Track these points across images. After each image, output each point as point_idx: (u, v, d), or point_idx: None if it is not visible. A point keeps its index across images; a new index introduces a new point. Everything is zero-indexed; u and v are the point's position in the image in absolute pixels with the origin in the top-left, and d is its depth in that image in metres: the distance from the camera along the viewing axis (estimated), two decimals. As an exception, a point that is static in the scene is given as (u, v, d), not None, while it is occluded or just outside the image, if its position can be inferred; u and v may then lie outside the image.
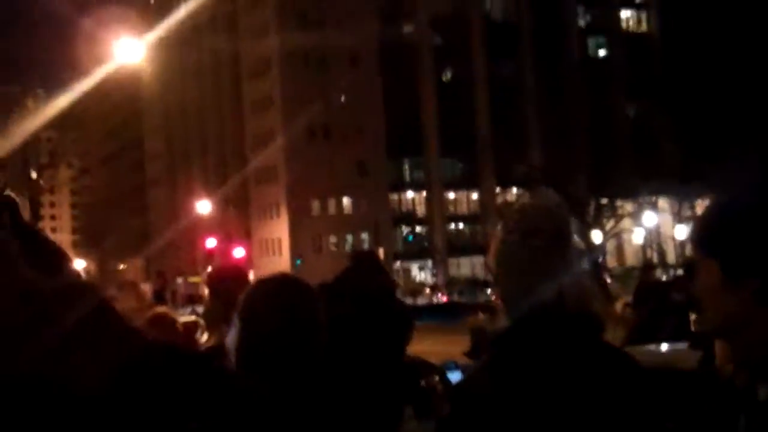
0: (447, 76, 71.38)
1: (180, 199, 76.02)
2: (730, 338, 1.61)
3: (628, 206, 50.08)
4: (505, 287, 2.05)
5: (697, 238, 1.62)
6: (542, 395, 1.88)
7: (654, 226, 54.93)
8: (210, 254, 43.75)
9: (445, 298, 51.16)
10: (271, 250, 64.98)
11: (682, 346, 3.59)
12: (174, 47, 67.84)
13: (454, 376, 2.48)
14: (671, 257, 59.72)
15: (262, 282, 2.19)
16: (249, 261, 49.88)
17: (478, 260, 68.26)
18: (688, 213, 46.75)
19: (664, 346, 4.72)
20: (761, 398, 1.51)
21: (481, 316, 31.59)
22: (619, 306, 31.45)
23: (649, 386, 1.97)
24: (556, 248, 2.02)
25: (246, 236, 66.78)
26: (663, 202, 51.05)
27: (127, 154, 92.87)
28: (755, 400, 1.52)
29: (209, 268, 4.33)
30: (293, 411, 2.01)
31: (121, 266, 77.67)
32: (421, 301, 48.27)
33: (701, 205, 43.17)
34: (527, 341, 1.94)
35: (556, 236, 2.03)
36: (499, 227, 2.12)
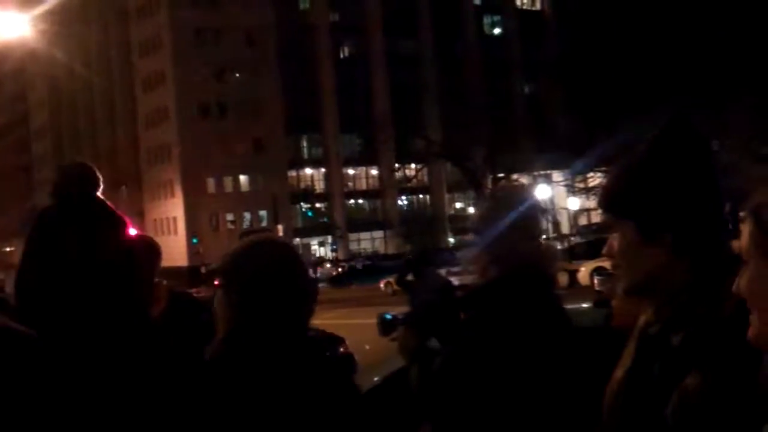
0: (345, 52, 71.25)
1: (70, 179, 73.57)
2: (650, 293, 1.68)
3: (524, 179, 51.29)
4: (497, 245, 2.57)
5: (608, 202, 1.72)
6: (528, 333, 2.43)
7: (548, 198, 56.53)
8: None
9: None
10: (167, 229, 63.78)
11: (587, 305, 3.76)
12: (61, 21, 65.42)
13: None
14: (565, 227, 61.61)
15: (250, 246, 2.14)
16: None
17: (378, 235, 68.83)
18: (580, 185, 48.21)
19: (568, 306, 4.97)
20: (674, 345, 1.57)
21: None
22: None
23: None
24: (537, 217, 2.68)
25: (139, 216, 65.34)
26: (557, 175, 52.49)
27: (11, 132, 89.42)
28: (669, 348, 1.58)
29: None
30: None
31: (9, 248, 74.92)
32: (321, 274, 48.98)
33: (593, 178, 44.57)
34: (515, 289, 2.48)
35: (537, 208, 2.70)
36: (486, 199, 2.81)
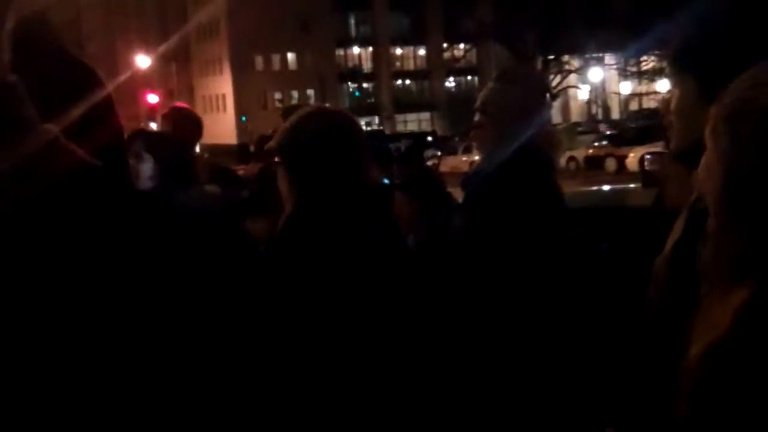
0: (394, -74, 68.89)
1: (118, 54, 73.77)
2: (698, 160, 1.54)
3: (575, 62, 50.08)
4: (506, 127, 2.64)
5: (674, 53, 1.59)
6: (528, 217, 2.52)
7: (599, 82, 55.25)
8: (152, 110, 42.97)
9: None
10: (215, 106, 64.01)
11: (636, 185, 3.79)
12: None
13: None
14: (615, 113, 60.47)
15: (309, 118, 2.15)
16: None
17: (425, 116, 68.31)
18: (633, 69, 46.95)
19: (617, 186, 5.00)
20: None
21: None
22: (563, 159, 32.17)
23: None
24: (545, 101, 2.72)
25: (188, 92, 65.55)
26: (609, 58, 51.10)
27: (60, 9, 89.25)
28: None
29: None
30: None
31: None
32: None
33: (647, 62, 43.35)
34: (519, 174, 2.55)
35: (546, 91, 2.75)
36: (495, 80, 2.87)
